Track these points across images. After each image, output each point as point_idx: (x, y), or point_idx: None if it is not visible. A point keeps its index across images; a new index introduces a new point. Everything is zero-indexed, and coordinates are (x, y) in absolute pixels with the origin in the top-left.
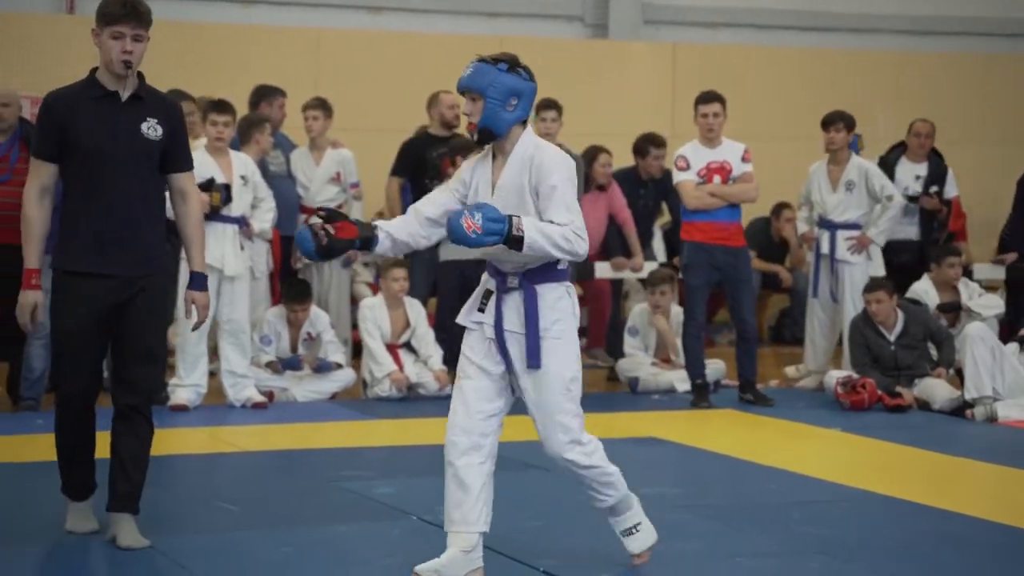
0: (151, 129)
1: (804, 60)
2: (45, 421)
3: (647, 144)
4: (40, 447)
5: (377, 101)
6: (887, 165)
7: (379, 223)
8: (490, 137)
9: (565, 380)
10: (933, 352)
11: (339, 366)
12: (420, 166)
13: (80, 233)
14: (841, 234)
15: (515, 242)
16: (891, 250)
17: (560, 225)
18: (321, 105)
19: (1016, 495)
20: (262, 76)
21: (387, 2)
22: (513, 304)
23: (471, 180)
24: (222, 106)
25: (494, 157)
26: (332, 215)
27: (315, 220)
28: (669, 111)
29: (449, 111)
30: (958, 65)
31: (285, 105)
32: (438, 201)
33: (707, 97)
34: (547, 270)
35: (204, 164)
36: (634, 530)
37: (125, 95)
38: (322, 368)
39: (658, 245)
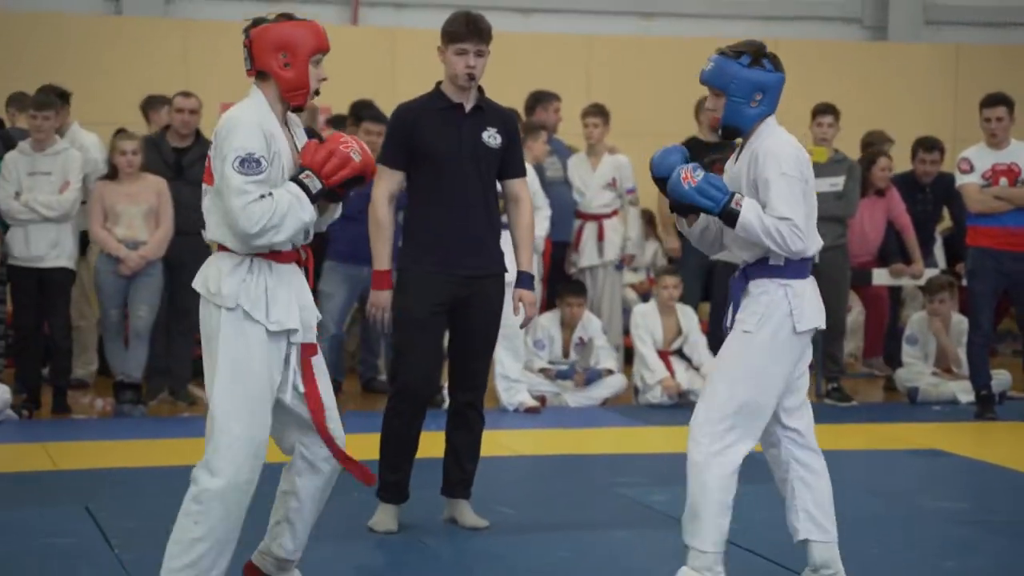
0: (491, 138)
1: None
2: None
3: (916, 147)
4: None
5: (648, 106)
6: None
7: None
8: (735, 134)
9: (729, 375)
10: None
11: (610, 372)
12: None
13: (427, 235)
14: None
15: (730, 216)
16: None
17: (778, 219)
18: (600, 112)
19: None
20: (537, 83)
21: (659, 7)
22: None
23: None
24: None
25: (741, 148)
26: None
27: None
28: (951, 114)
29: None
30: None
31: (560, 109)
32: None
33: (992, 100)
34: (761, 265)
35: None
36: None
37: (468, 106)
38: (591, 378)
39: (938, 251)
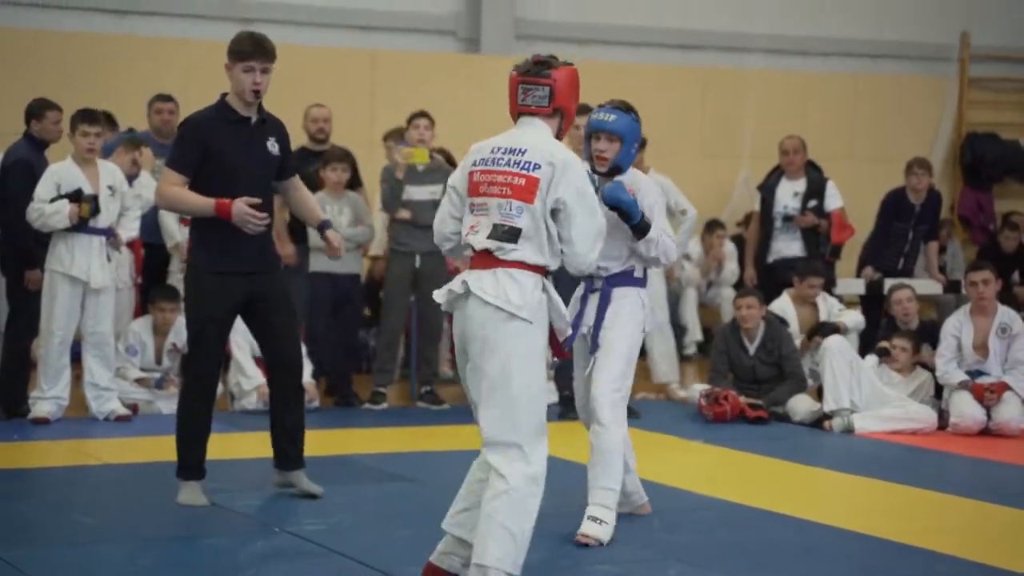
0: (273, 146)
1: (673, 77)
2: None
3: None
4: None
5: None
6: (768, 187)
7: None
8: (618, 172)
9: (612, 355)
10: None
11: None
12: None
13: (219, 238)
14: None
15: (642, 230)
16: (777, 268)
17: (668, 237)
18: None
19: (870, 504)
20: (133, 86)
21: (259, 13)
22: (593, 303)
23: None
24: (92, 116)
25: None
26: None
27: None
28: None
29: (312, 125)
30: (825, 84)
31: (174, 111)
32: None
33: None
34: (624, 275)
35: (72, 175)
36: (597, 520)
37: (255, 119)
38: None
39: None
